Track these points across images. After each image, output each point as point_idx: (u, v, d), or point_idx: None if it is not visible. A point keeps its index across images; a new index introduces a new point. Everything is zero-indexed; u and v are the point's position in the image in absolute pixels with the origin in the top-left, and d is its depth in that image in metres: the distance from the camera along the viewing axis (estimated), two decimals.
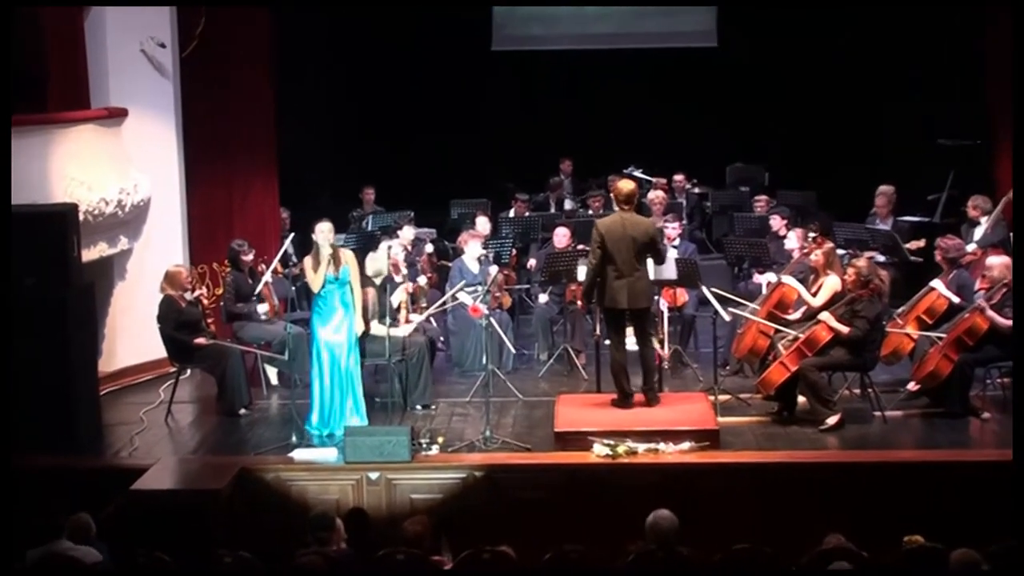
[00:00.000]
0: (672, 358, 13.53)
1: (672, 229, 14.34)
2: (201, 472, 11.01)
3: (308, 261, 11.87)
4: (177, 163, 14.36)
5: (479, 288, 13.39)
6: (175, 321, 12.60)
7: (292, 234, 14.19)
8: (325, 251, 11.73)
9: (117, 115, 13.82)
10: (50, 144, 12.79)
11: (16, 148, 12.30)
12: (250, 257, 13.48)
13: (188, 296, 12.81)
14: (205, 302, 13.18)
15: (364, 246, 15.10)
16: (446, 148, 19.69)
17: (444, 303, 13.21)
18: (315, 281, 11.78)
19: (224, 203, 14.92)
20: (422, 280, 13.73)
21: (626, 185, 11.72)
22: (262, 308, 13.24)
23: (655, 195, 16.52)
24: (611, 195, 11.69)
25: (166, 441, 12.07)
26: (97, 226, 13.24)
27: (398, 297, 13.01)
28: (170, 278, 12.72)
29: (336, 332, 11.83)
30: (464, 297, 13.55)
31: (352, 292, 11.92)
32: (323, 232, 11.78)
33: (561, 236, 14.64)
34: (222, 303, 13.61)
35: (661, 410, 11.71)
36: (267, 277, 13.30)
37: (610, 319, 11.77)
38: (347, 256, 11.95)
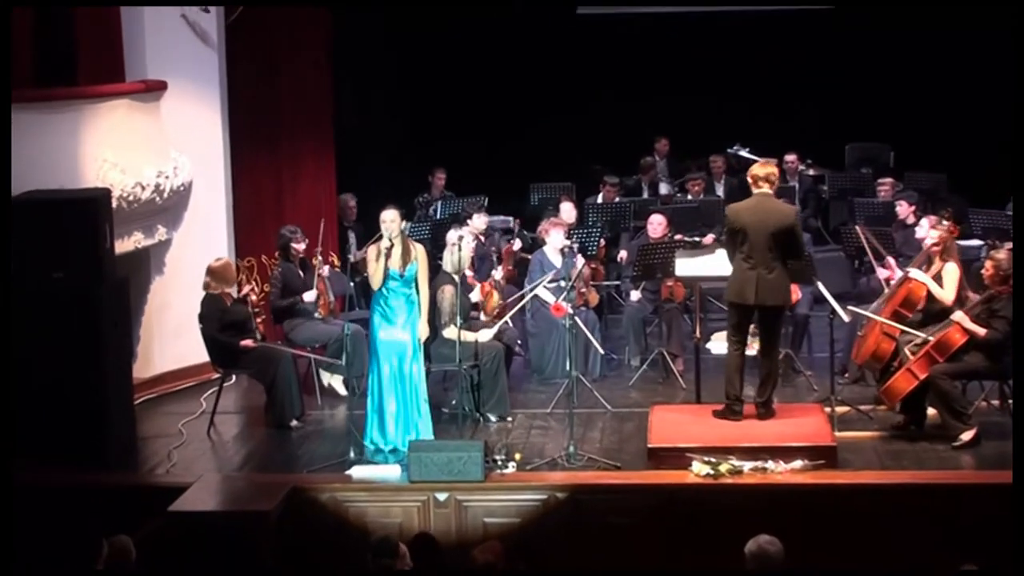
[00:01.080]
0: (783, 364, 13.41)
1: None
2: (247, 491, 11.07)
3: (371, 251, 11.82)
4: (221, 142, 14.43)
5: (562, 284, 13.34)
6: (219, 321, 12.65)
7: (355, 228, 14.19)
8: (385, 243, 11.67)
9: (155, 89, 13.92)
10: (80, 122, 12.90)
11: (43, 126, 12.48)
12: (302, 246, 13.51)
13: (235, 293, 12.88)
14: (254, 298, 13.22)
15: (432, 236, 15.13)
16: (525, 125, 19.68)
17: (523, 299, 13.18)
18: (374, 275, 11.73)
19: (274, 188, 15.04)
20: (497, 275, 13.70)
21: (763, 167, 11.70)
22: (309, 296, 13.26)
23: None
24: (747, 179, 11.67)
25: (208, 456, 12.15)
26: (132, 214, 13.33)
27: (477, 295, 13.02)
28: (215, 273, 12.78)
29: (399, 335, 11.76)
30: (545, 294, 13.52)
31: (419, 292, 11.86)
32: (386, 221, 11.71)
33: (656, 225, 14.57)
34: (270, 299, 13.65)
35: (770, 424, 11.65)
36: (323, 270, 13.33)
37: (733, 315, 11.75)
38: (418, 252, 11.88)
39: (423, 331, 11.88)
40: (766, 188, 11.56)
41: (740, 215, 11.51)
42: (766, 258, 11.40)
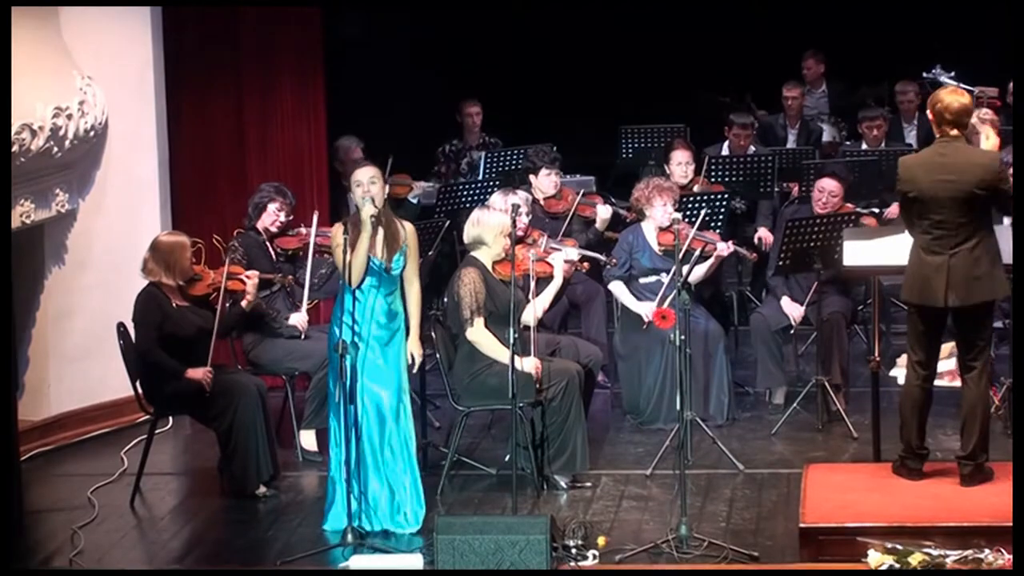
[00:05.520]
0: (1005, 402, 13.35)
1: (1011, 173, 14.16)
2: None
3: (337, 231, 11.70)
4: (152, 65, 14.56)
5: (663, 278, 13.29)
6: (156, 328, 12.55)
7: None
8: (369, 211, 11.53)
9: None
10: None
11: None
12: (281, 217, 13.54)
13: (201, 287, 12.77)
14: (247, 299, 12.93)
15: (472, 207, 15.07)
16: (609, 37, 19.79)
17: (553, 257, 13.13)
18: (352, 269, 11.60)
19: (231, 133, 15.17)
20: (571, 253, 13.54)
21: (955, 99, 11.59)
22: (297, 318, 13.31)
23: (981, 116, 16.28)
24: (928, 114, 11.57)
25: (132, 540, 12.18)
26: (18, 171, 13.33)
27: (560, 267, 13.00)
28: (159, 250, 12.70)
29: (377, 364, 11.79)
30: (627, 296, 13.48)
31: (405, 294, 11.92)
32: (363, 183, 11.68)
33: (827, 195, 14.47)
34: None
35: (985, 492, 11.59)
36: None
37: (916, 323, 11.73)
38: (407, 232, 11.90)
39: (416, 351, 11.98)
40: (952, 130, 11.51)
41: (920, 172, 11.46)
42: (958, 232, 11.38)
